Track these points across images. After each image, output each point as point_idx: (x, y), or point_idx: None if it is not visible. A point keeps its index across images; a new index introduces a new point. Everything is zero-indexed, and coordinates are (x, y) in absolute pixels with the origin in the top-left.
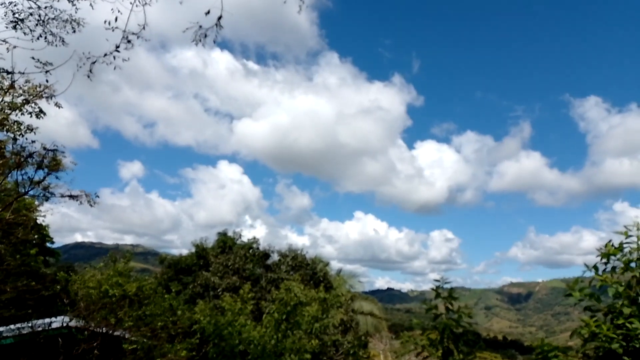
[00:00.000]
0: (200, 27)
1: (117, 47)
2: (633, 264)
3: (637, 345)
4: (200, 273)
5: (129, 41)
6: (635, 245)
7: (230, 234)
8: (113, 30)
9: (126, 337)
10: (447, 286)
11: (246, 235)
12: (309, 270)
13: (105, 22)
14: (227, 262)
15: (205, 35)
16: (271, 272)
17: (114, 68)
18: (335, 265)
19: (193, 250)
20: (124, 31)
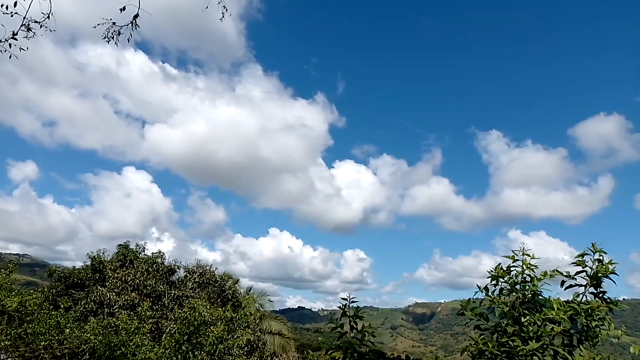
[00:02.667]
0: (114, 24)
1: (15, 33)
2: (518, 286)
3: None
4: (95, 288)
5: (29, 29)
6: (520, 269)
7: (132, 246)
8: (12, 16)
9: (1, 358)
10: (354, 305)
11: (151, 249)
12: (217, 288)
13: (1, 5)
14: (127, 277)
15: (119, 33)
16: (176, 289)
17: (10, 57)
18: (246, 283)
19: (88, 262)
20: (24, 18)
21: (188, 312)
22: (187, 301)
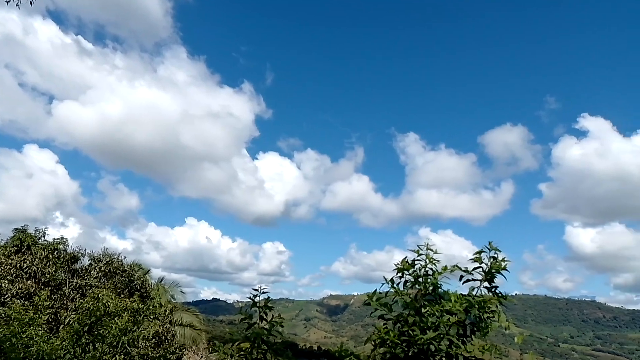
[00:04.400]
0: None
1: None
2: (420, 279)
3: (416, 350)
4: None
5: None
6: (423, 263)
7: (31, 231)
8: None
9: None
10: (265, 296)
11: (53, 235)
12: (125, 278)
13: None
14: (22, 263)
15: None
16: (78, 277)
17: None
18: (159, 273)
19: None
20: None
21: (91, 302)
22: (90, 291)
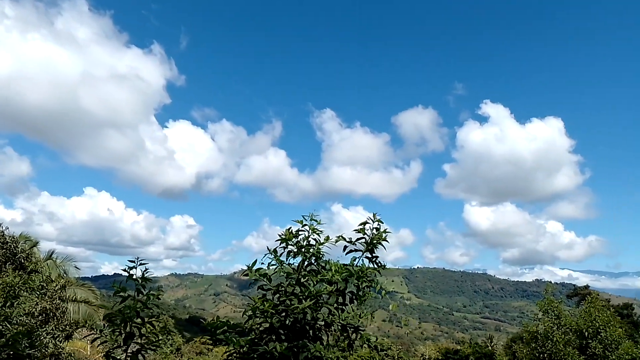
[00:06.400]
0: None
1: None
2: (303, 250)
3: (292, 320)
4: None
5: None
6: (307, 234)
7: None
8: None
9: None
10: (142, 267)
11: None
12: (6, 251)
13: None
14: None
15: None
16: None
17: None
18: (52, 247)
19: None
20: None
21: None
22: None
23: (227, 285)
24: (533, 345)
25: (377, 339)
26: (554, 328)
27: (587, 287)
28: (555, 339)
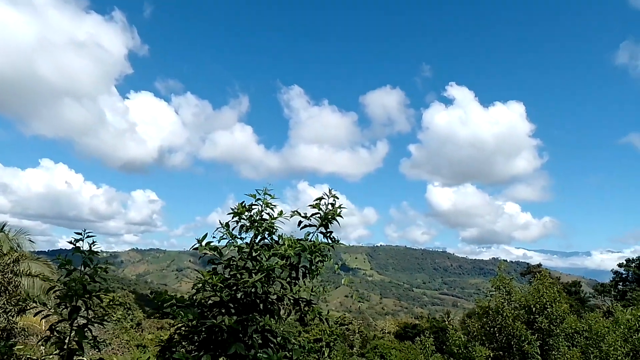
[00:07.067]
0: None
1: None
2: (256, 224)
3: (242, 294)
4: None
5: None
6: (260, 208)
7: None
8: None
9: None
10: (89, 240)
11: None
12: None
13: None
14: None
15: None
16: None
17: None
18: (6, 219)
19: None
20: None
21: None
22: None
23: (190, 261)
24: (484, 319)
25: (328, 312)
26: (505, 304)
27: (539, 265)
28: (505, 313)
